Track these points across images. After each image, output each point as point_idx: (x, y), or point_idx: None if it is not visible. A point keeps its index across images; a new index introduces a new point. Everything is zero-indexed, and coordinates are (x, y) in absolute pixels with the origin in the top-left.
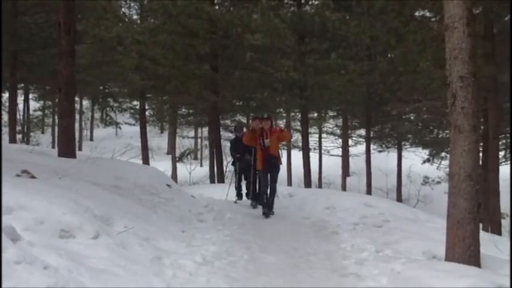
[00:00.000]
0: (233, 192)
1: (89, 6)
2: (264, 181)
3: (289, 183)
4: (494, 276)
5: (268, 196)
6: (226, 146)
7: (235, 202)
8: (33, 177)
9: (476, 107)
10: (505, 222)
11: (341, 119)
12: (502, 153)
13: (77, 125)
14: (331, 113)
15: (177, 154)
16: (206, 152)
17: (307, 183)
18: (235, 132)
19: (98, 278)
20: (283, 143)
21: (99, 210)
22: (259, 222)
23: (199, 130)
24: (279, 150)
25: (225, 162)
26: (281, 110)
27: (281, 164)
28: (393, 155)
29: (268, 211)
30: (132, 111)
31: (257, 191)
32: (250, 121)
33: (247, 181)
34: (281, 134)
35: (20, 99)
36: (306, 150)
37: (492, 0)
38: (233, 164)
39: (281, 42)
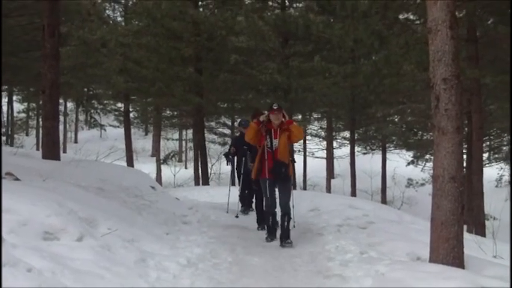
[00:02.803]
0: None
1: (74, 9)
2: (270, 197)
3: None
4: (478, 277)
5: (281, 221)
6: (210, 148)
7: (237, 216)
8: (17, 179)
9: (460, 109)
10: (488, 224)
11: (325, 121)
12: (485, 155)
13: (61, 127)
14: (315, 115)
15: (162, 156)
16: (191, 154)
17: (292, 185)
18: (239, 128)
19: (82, 280)
20: None
21: (83, 212)
22: (244, 225)
23: (184, 132)
24: (290, 155)
25: (209, 165)
26: (265, 112)
27: (291, 175)
28: (377, 157)
29: (285, 241)
30: (116, 113)
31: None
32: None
33: (250, 193)
34: (294, 133)
35: (4, 101)
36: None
37: (475, 4)
38: (229, 163)
39: (265, 45)
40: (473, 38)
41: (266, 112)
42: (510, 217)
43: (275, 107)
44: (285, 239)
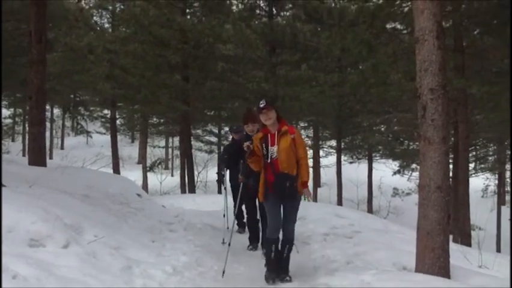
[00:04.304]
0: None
1: (61, 15)
2: (273, 219)
3: None
4: (463, 287)
5: (280, 248)
6: (197, 155)
7: (223, 242)
8: (2, 185)
9: (446, 119)
10: (474, 234)
11: (311, 130)
12: (471, 165)
13: (47, 134)
14: (302, 124)
15: (148, 163)
16: (177, 161)
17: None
18: (231, 133)
19: (67, 287)
20: None
21: (69, 219)
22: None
23: (170, 140)
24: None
25: (196, 172)
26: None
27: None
28: (363, 166)
29: (283, 276)
30: (103, 120)
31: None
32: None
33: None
34: (298, 144)
35: None
36: None
37: (461, 14)
38: (220, 179)
39: (252, 53)
40: (460, 48)
41: (250, 145)
42: (510, 226)
43: (262, 105)
44: (284, 273)
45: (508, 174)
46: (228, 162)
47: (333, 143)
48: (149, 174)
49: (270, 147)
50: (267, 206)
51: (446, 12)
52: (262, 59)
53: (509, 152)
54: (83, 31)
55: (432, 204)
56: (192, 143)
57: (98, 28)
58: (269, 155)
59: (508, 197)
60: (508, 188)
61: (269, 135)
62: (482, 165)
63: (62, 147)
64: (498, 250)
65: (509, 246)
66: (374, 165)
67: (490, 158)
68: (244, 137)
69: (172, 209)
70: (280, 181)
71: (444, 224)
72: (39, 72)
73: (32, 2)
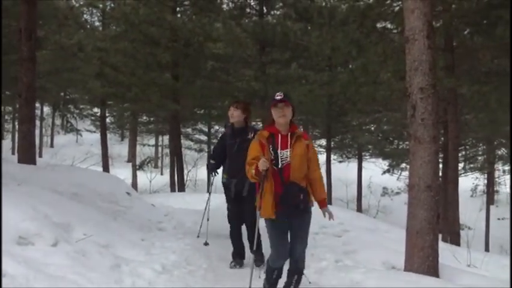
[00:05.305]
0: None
1: (51, 13)
2: (281, 246)
3: None
4: (452, 286)
5: (287, 279)
6: (187, 154)
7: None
8: None
9: (436, 118)
10: (463, 233)
11: (301, 129)
12: (461, 165)
13: (37, 132)
14: None
15: (137, 162)
16: (167, 160)
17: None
18: (225, 129)
19: (56, 286)
20: None
21: (58, 218)
22: (220, 232)
23: (160, 138)
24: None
25: (185, 171)
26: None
27: (313, 205)
28: (353, 165)
29: None
30: (93, 118)
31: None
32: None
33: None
34: (312, 155)
35: None
36: None
37: (451, 14)
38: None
39: (242, 52)
40: (450, 47)
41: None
42: (510, 221)
43: (279, 97)
44: None
45: (496, 174)
46: (214, 166)
47: (323, 142)
48: (139, 173)
49: (280, 151)
50: (272, 227)
51: (437, 12)
52: (252, 57)
53: (498, 152)
54: (73, 29)
55: (422, 204)
56: (182, 141)
57: (89, 26)
58: (279, 160)
59: (496, 197)
60: (496, 188)
61: (279, 135)
62: (472, 165)
63: (51, 146)
64: (486, 249)
65: (510, 246)
66: (364, 164)
67: (479, 158)
68: (230, 133)
69: (161, 207)
70: (292, 193)
71: (434, 223)
72: (29, 70)
73: (23, 0)
